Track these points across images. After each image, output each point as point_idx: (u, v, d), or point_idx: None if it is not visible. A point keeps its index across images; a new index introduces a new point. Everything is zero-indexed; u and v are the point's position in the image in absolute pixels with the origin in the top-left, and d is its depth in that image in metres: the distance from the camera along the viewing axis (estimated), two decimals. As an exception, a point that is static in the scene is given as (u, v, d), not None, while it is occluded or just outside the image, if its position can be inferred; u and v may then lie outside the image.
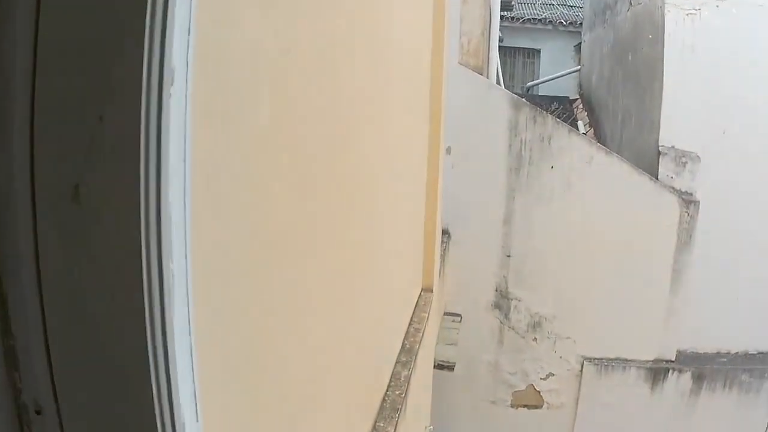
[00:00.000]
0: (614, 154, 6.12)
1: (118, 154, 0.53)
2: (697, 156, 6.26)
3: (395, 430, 2.74)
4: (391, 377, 3.12)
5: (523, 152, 5.90)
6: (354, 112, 1.91)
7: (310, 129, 1.37)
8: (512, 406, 6.52)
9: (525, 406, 6.52)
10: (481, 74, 6.11)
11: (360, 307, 2.25)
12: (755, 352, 7.24)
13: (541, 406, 6.51)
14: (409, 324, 3.82)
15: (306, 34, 1.32)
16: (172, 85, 0.55)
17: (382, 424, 2.72)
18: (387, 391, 2.99)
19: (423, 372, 4.13)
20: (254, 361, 1.10)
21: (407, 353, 3.45)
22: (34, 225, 0.55)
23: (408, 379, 3.17)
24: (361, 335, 2.34)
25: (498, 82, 7.77)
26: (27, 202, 0.54)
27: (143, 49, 0.52)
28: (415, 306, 4.13)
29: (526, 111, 5.94)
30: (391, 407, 2.85)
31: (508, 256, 6.05)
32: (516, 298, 6.16)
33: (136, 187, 0.53)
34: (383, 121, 2.51)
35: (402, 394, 2.99)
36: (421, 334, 3.74)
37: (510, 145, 5.88)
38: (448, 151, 5.58)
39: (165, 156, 0.55)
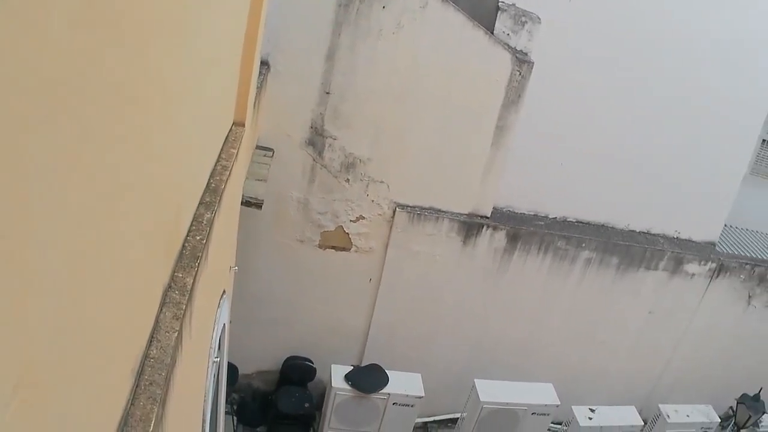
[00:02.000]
0: (451, 2, 8.33)
1: None
2: (538, 18, 8.78)
3: (195, 279, 3.32)
4: (193, 221, 3.71)
5: None
6: None
7: None
8: (320, 246, 9.34)
9: (333, 247, 9.36)
10: None
11: (154, 143, 2.60)
12: (574, 220, 10.52)
13: (350, 249, 9.39)
14: (217, 161, 4.58)
15: None
16: None
17: (180, 275, 3.27)
18: (187, 236, 3.57)
19: (229, 212, 5.11)
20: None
21: (212, 193, 4.12)
22: None
23: (211, 222, 3.79)
24: (158, 176, 2.72)
25: None
26: None
27: None
28: (225, 141, 4.98)
29: None
30: (191, 255, 3.44)
31: (328, 92, 8.47)
32: (331, 137, 8.69)
33: None
34: None
35: (203, 239, 3.60)
36: (228, 173, 4.48)
37: None
38: None
39: None
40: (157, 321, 2.97)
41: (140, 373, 2.63)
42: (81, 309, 1.93)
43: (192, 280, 3.31)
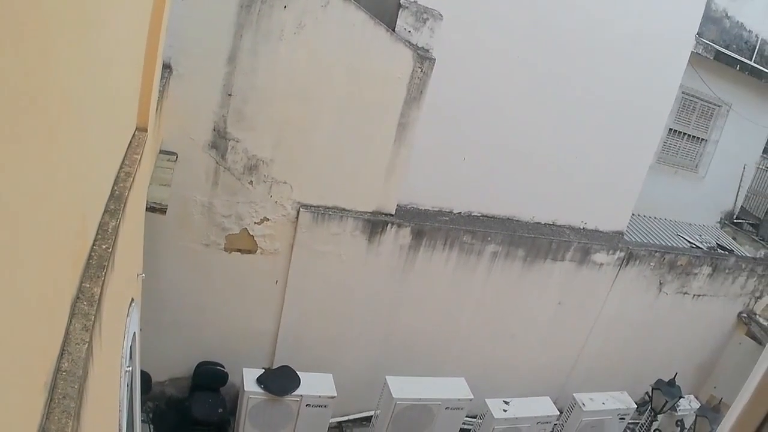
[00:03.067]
0: (353, 1, 8.42)
1: None
2: (440, 14, 8.87)
3: (102, 288, 3.30)
4: (98, 229, 3.71)
5: None
6: None
7: None
8: (225, 249, 9.29)
9: (238, 250, 9.32)
10: None
11: (59, 155, 2.62)
12: (478, 215, 10.67)
13: (255, 251, 9.36)
14: (120, 168, 4.52)
15: None
16: None
17: (88, 285, 3.24)
18: (93, 245, 3.55)
19: (134, 219, 5.10)
20: None
21: (116, 201, 4.10)
22: None
23: (116, 230, 3.79)
24: (60, 185, 2.70)
25: None
26: None
27: None
28: (128, 147, 4.90)
29: None
30: (97, 264, 3.42)
31: (230, 95, 8.46)
32: (234, 139, 8.68)
33: None
34: None
35: (109, 248, 3.58)
36: (132, 179, 4.45)
37: None
38: None
39: None
40: (67, 333, 2.93)
41: (53, 387, 2.59)
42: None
43: (99, 290, 3.27)
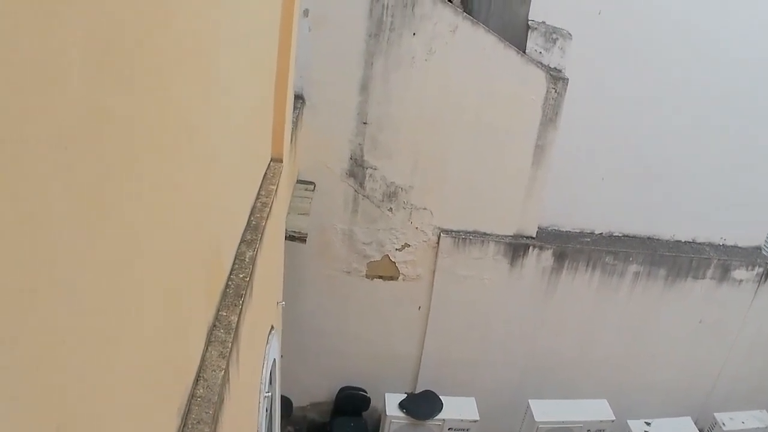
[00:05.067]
0: (481, 24, 8.37)
1: None
2: (569, 33, 8.78)
3: (240, 317, 3.39)
4: (235, 259, 3.79)
5: (384, 17, 8.14)
6: None
7: None
8: (367, 276, 9.37)
9: (380, 276, 9.39)
10: None
11: (188, 183, 2.64)
12: (620, 234, 10.44)
13: (398, 278, 9.42)
14: (256, 198, 4.63)
15: None
16: None
17: (224, 313, 3.33)
18: (230, 274, 3.63)
19: (272, 248, 5.17)
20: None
21: (253, 231, 4.17)
22: None
23: (254, 259, 3.85)
24: (193, 217, 2.76)
25: None
26: None
27: None
28: (263, 178, 5.04)
29: None
30: (234, 293, 3.49)
31: (365, 123, 8.54)
32: (372, 167, 8.75)
33: None
34: None
35: (247, 277, 3.65)
36: (268, 209, 4.54)
37: (371, 9, 8.11)
38: (306, 13, 7.94)
39: None
40: (203, 360, 2.99)
41: (187, 413, 2.65)
42: (124, 351, 1.95)
43: (237, 318, 3.35)
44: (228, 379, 3.12)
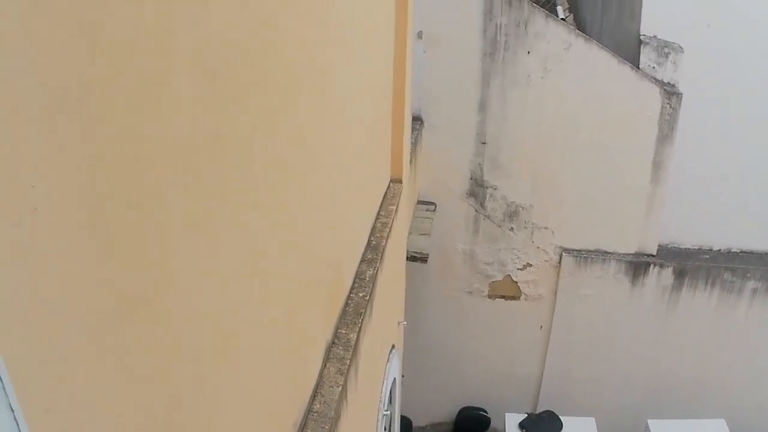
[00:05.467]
0: (594, 41, 8.31)
1: None
2: (680, 47, 8.60)
3: (359, 335, 3.43)
4: (355, 278, 3.86)
5: (498, 37, 8.19)
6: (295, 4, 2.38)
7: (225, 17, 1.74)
8: (489, 296, 9.35)
9: (502, 296, 9.35)
10: None
11: (308, 205, 2.74)
12: (738, 251, 10.10)
13: (519, 297, 9.35)
14: (376, 218, 4.71)
15: None
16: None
17: (344, 331, 3.40)
18: (350, 293, 3.71)
19: (392, 268, 5.20)
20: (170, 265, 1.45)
21: (373, 250, 4.25)
22: None
23: (374, 278, 3.93)
24: (310, 234, 2.82)
25: None
26: None
27: None
28: (383, 199, 5.13)
29: None
30: (354, 311, 3.57)
31: (483, 142, 8.56)
32: (492, 186, 8.74)
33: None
34: (334, 5, 3.09)
35: (367, 295, 3.72)
36: (388, 229, 4.62)
37: (485, 30, 8.17)
38: (420, 35, 8.04)
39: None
40: (320, 376, 3.05)
41: (303, 427, 2.70)
42: (243, 365, 2.03)
43: (356, 336, 3.41)
44: (345, 396, 3.15)
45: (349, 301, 3.65)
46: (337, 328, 3.42)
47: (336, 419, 2.91)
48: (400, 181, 5.69)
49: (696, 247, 9.84)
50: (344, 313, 3.55)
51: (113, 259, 1.30)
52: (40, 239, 1.07)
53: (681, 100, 8.57)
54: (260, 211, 2.15)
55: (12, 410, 0.97)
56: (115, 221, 1.30)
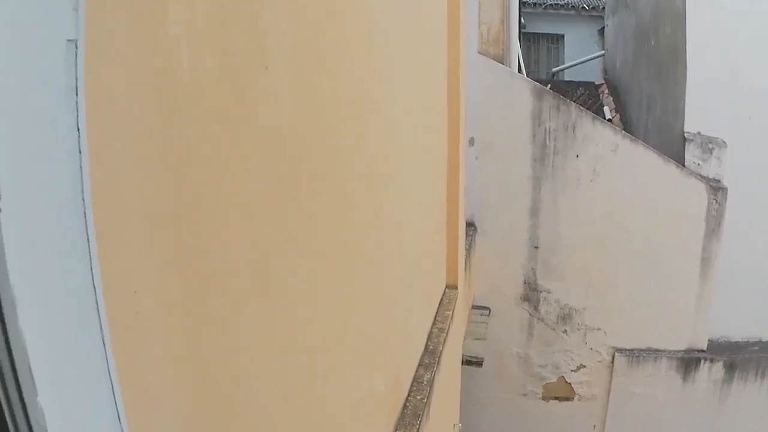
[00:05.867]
0: (639, 141, 8.59)
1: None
2: (723, 142, 8.92)
3: None
4: (413, 381, 3.96)
5: (547, 141, 8.39)
6: (350, 106, 2.49)
7: (297, 128, 1.87)
8: (543, 398, 9.29)
9: (556, 398, 9.31)
10: (501, 63, 8.64)
11: (369, 313, 2.86)
12: None
13: (573, 398, 9.32)
14: (433, 324, 4.87)
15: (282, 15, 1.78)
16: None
17: None
18: (408, 396, 3.79)
19: (448, 372, 5.24)
20: (234, 366, 1.49)
21: (430, 355, 4.38)
22: None
23: (431, 382, 4.01)
24: (371, 341, 2.96)
25: (519, 70, 10.39)
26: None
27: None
28: (439, 304, 5.29)
29: (549, 99, 8.44)
30: (412, 414, 3.62)
31: (536, 247, 8.65)
32: (545, 290, 8.80)
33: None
34: (390, 114, 3.24)
35: (424, 399, 3.79)
36: (445, 334, 4.76)
37: (534, 135, 8.38)
38: (471, 142, 8.19)
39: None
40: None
41: None
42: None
43: (414, 437, 3.46)
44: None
45: (407, 404, 3.75)
46: (396, 429, 3.51)
47: None
48: (456, 287, 5.85)
49: (745, 340, 9.97)
50: (402, 415, 3.64)
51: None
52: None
53: (726, 194, 8.80)
54: (328, 319, 2.28)
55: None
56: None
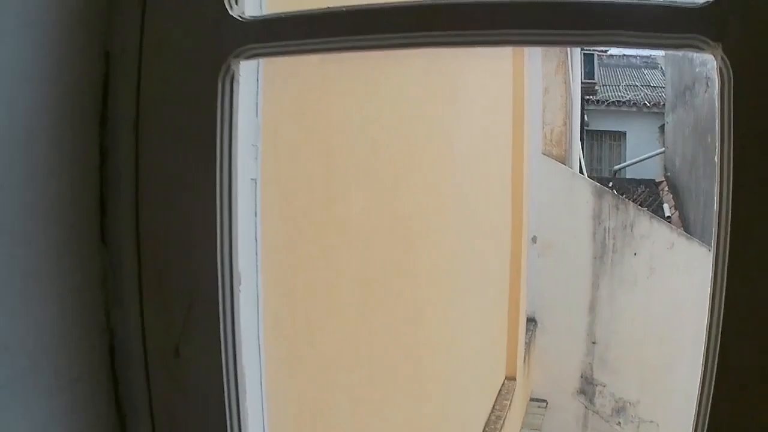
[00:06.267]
0: (695, 239, 8.75)
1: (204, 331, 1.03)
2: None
3: None
4: None
5: (606, 240, 8.60)
6: (426, 210, 2.72)
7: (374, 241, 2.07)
8: (597, 488, 9.39)
9: (608, 489, 9.43)
10: (564, 163, 8.88)
11: (430, 401, 2.98)
12: None
13: (626, 490, 9.50)
14: (491, 412, 5.00)
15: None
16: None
17: None
18: None
19: None
20: None
21: None
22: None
23: None
24: (432, 427, 3.05)
25: (581, 170, 10.56)
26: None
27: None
28: (498, 394, 5.46)
29: (609, 199, 8.67)
30: None
31: (594, 342, 8.78)
32: (601, 384, 8.89)
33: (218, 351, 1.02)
34: (458, 214, 3.46)
35: None
36: (501, 422, 4.87)
37: (594, 233, 8.60)
38: (534, 240, 8.38)
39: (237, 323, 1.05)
40: None
41: None
42: None
43: None
44: None
45: (465, 493, 3.80)
46: None
47: None
48: (515, 379, 6.09)
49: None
50: (460, 504, 3.70)
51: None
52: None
53: None
54: (387, 401, 2.43)
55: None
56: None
